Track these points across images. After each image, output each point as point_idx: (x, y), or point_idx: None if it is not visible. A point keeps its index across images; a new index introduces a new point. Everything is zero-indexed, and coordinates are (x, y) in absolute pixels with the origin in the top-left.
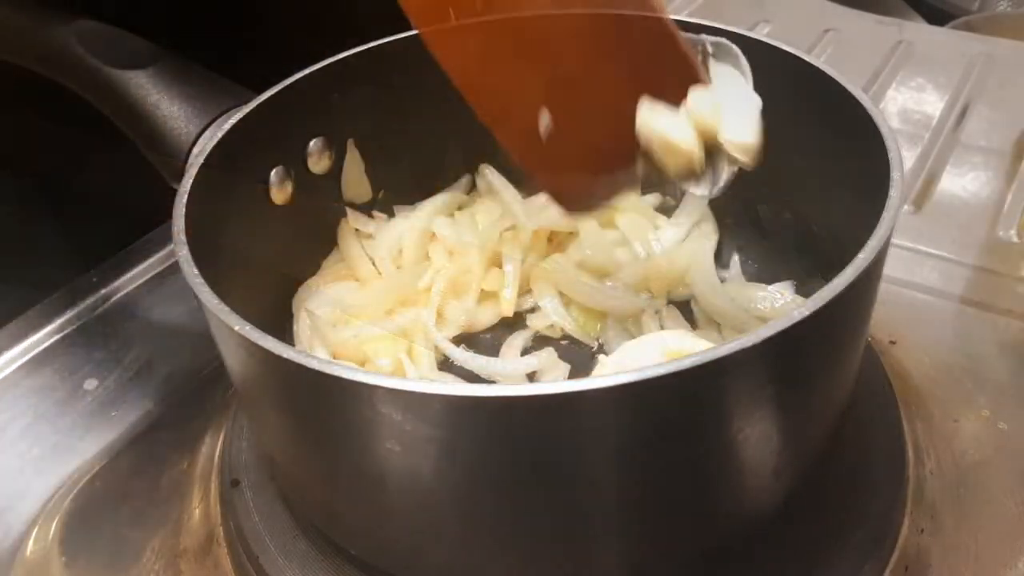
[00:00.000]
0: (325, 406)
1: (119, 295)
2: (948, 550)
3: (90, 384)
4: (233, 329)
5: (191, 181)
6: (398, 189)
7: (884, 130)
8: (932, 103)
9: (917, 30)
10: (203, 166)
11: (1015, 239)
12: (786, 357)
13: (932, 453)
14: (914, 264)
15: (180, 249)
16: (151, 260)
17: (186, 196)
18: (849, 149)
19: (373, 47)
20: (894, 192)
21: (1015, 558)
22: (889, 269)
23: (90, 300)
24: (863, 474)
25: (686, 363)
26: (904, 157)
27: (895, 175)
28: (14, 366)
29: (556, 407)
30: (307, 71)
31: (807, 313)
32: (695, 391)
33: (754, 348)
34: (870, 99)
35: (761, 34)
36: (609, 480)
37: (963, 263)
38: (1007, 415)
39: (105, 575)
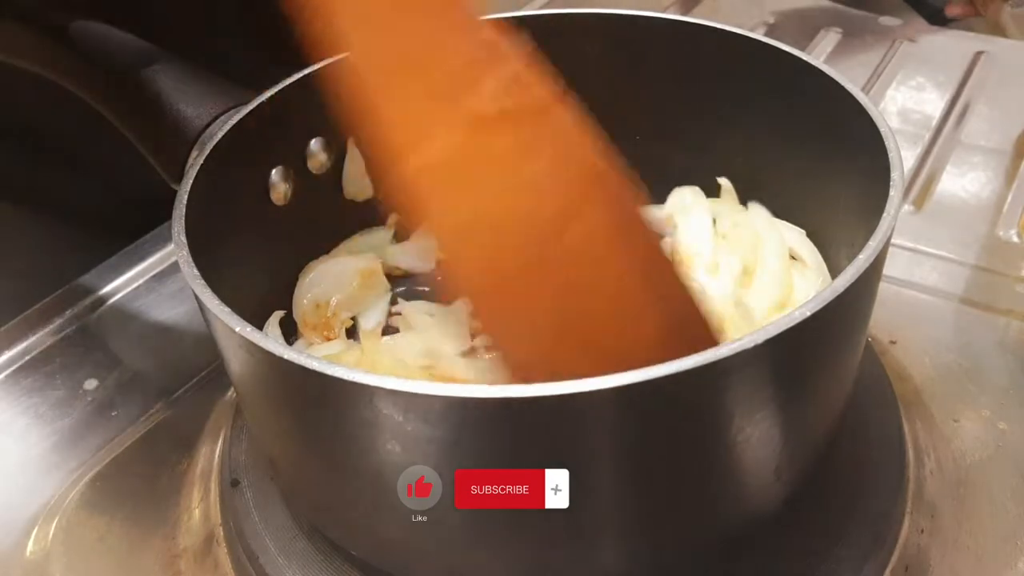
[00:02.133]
0: (325, 407)
1: (119, 295)
2: (948, 550)
3: (90, 384)
4: (234, 330)
5: (191, 182)
6: None
7: (884, 129)
8: (932, 103)
9: (917, 30)
10: (202, 167)
11: (1015, 239)
12: (787, 358)
13: (932, 453)
14: (914, 264)
15: (180, 250)
16: (151, 260)
17: (186, 197)
18: (848, 149)
19: None
20: (894, 192)
21: (1015, 558)
22: (889, 269)
23: (90, 300)
24: (863, 474)
25: (687, 364)
26: (904, 157)
27: (895, 175)
28: (14, 366)
29: (557, 407)
30: (307, 71)
31: (808, 314)
32: (696, 392)
33: (755, 349)
34: (869, 99)
35: (760, 34)
36: (608, 480)
37: (963, 263)
38: (1007, 415)
39: (105, 575)
